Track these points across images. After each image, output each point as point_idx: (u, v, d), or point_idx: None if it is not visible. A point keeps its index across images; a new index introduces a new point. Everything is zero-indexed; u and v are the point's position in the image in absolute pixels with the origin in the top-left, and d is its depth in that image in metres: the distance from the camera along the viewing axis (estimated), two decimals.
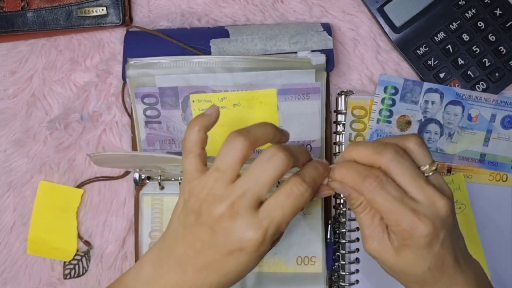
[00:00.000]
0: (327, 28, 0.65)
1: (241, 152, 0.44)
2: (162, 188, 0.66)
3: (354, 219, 0.65)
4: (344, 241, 0.64)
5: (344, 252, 0.64)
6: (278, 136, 0.47)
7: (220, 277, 0.46)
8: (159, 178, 0.65)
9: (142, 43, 0.65)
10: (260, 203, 0.44)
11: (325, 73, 0.63)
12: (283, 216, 0.43)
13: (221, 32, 0.65)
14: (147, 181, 0.66)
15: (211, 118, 0.48)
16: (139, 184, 0.66)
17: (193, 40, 0.65)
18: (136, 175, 0.66)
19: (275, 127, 0.47)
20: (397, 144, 0.45)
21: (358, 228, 0.65)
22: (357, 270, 0.64)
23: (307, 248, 0.64)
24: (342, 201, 0.65)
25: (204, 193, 0.45)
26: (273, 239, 0.44)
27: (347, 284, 0.64)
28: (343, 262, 0.64)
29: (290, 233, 0.64)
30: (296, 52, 0.63)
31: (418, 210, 0.43)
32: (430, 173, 0.45)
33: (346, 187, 0.46)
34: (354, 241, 0.64)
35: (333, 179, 0.46)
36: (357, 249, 0.64)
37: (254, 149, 0.45)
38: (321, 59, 0.62)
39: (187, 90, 0.63)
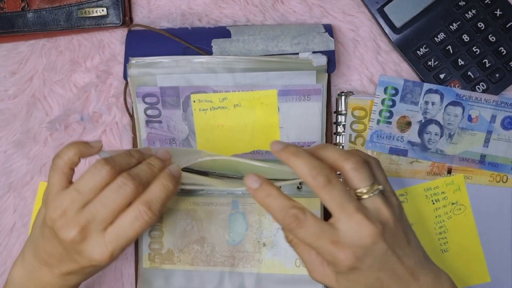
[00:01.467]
0: (329, 30, 0.65)
1: (105, 180, 0.49)
2: None
3: None
4: None
5: None
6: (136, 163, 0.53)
7: (82, 277, 0.53)
8: None
9: (144, 42, 0.66)
10: (108, 225, 0.49)
11: (326, 74, 0.63)
12: (128, 239, 0.49)
13: (223, 32, 0.65)
14: None
15: (91, 150, 0.52)
16: None
17: (195, 39, 0.65)
18: None
19: (138, 154, 0.53)
20: (335, 164, 0.47)
21: None
22: None
23: None
24: None
25: (57, 213, 0.48)
26: (120, 254, 0.50)
27: None
28: None
29: None
30: (297, 53, 0.63)
31: (338, 240, 0.45)
32: (367, 196, 0.47)
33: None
34: None
35: (260, 201, 0.48)
36: None
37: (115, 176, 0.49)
38: (322, 60, 0.62)
39: (188, 90, 0.63)
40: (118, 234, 0.48)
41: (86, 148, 0.51)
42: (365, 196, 0.47)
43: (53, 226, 0.48)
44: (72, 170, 0.51)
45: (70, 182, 0.51)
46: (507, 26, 0.64)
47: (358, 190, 0.47)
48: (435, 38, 0.65)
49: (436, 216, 0.65)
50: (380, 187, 0.47)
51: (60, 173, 0.50)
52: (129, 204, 0.49)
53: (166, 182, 0.51)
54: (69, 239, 0.48)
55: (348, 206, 0.45)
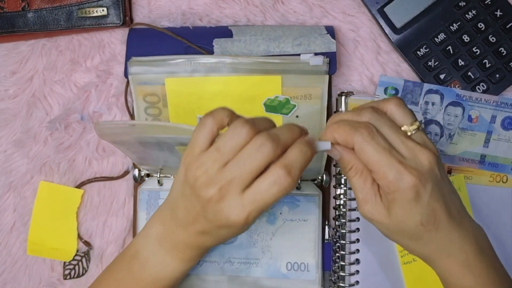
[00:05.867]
0: (331, 31, 0.65)
1: (245, 140, 0.46)
2: (161, 185, 0.65)
3: (354, 220, 0.65)
4: (344, 242, 0.64)
5: (344, 253, 0.64)
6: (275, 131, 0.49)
7: (215, 239, 0.52)
8: (158, 175, 0.65)
9: (145, 41, 0.65)
10: (246, 187, 0.46)
11: (327, 76, 0.62)
12: (265, 203, 0.46)
13: (225, 32, 0.65)
14: (146, 178, 0.66)
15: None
16: (138, 181, 0.66)
17: (196, 39, 0.65)
18: (136, 172, 0.66)
19: (274, 125, 0.50)
20: (376, 106, 0.48)
21: (358, 229, 0.65)
22: (357, 271, 0.64)
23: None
24: (342, 201, 0.65)
25: (200, 171, 0.47)
26: (255, 219, 0.48)
27: (347, 285, 0.64)
28: (343, 263, 0.64)
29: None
30: (299, 54, 0.63)
31: (404, 162, 0.45)
32: (413, 132, 0.47)
33: (337, 149, 0.48)
34: (354, 242, 0.64)
35: (325, 139, 0.48)
36: (357, 250, 0.64)
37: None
38: (318, 60, 0.62)
39: None
40: (255, 197, 0.46)
41: (235, 116, 0.49)
42: (413, 131, 0.47)
43: (195, 184, 0.48)
44: (218, 132, 0.49)
45: (211, 144, 0.49)
46: (507, 26, 0.64)
47: (404, 127, 0.47)
48: (435, 39, 0.65)
49: None
50: (420, 122, 0.48)
51: (210, 131, 0.48)
52: (267, 166, 0.46)
53: (305, 148, 0.47)
54: (208, 197, 0.47)
55: (400, 135, 0.46)
